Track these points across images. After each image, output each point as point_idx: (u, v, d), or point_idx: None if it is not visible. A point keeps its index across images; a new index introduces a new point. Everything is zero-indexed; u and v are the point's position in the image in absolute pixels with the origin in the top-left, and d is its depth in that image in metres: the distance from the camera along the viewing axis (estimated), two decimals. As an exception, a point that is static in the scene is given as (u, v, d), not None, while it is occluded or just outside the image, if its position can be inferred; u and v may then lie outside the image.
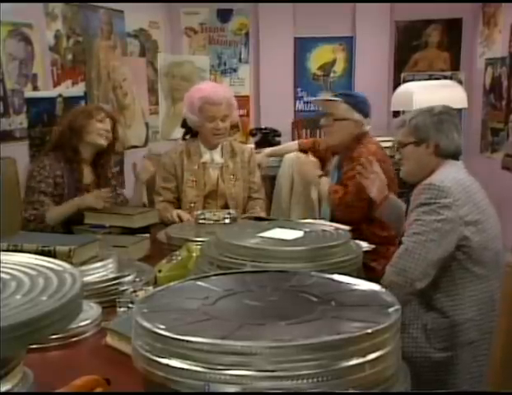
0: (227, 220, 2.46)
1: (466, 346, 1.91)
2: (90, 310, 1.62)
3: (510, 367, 1.56)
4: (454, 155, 2.09)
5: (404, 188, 2.66)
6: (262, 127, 5.28)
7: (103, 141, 2.74)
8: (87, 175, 2.76)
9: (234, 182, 2.90)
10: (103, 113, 2.77)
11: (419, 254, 1.88)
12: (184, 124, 3.00)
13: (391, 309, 1.11)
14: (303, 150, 3.32)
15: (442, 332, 1.93)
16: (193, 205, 2.83)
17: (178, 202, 2.88)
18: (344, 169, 2.79)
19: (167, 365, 1.00)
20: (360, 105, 2.78)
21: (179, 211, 2.77)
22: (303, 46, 5.76)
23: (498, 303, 1.84)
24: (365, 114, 2.81)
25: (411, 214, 1.97)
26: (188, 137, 3.00)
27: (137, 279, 1.82)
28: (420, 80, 5.09)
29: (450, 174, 1.99)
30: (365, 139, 2.80)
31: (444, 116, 2.09)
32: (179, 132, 3.30)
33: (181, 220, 2.67)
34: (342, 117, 2.76)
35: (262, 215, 2.90)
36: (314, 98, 2.96)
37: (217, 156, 2.91)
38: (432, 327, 1.94)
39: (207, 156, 2.90)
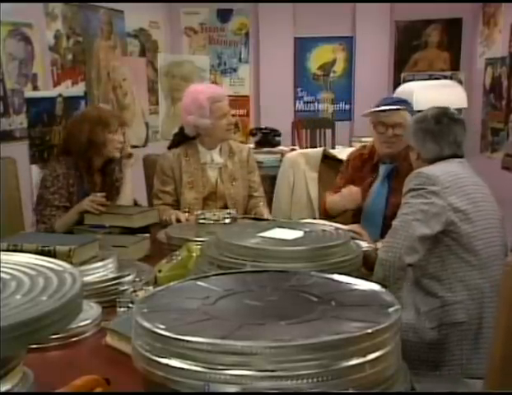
0: (227, 220, 2.45)
1: (453, 326, 1.98)
2: (90, 310, 1.62)
3: (510, 365, 1.56)
4: (441, 159, 2.15)
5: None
6: (262, 126, 5.28)
7: (118, 154, 2.72)
8: (96, 182, 2.74)
9: (233, 182, 2.89)
10: (117, 122, 2.71)
11: (406, 231, 1.97)
12: (180, 133, 2.94)
13: (391, 309, 1.11)
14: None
15: (433, 312, 2.00)
16: (192, 207, 2.81)
17: (177, 205, 2.87)
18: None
19: (167, 365, 1.00)
20: (412, 112, 2.76)
21: (178, 212, 2.76)
22: (303, 46, 5.76)
23: (492, 292, 1.92)
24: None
25: (402, 200, 2.07)
26: (176, 143, 2.96)
27: (137, 279, 1.82)
28: (420, 80, 5.09)
29: (441, 166, 2.09)
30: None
31: (423, 125, 2.18)
32: (176, 139, 3.24)
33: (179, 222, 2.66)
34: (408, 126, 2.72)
35: (266, 211, 2.90)
36: (371, 110, 2.81)
37: (217, 156, 2.89)
38: (424, 310, 2.01)
39: (207, 157, 2.88)
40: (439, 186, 1.98)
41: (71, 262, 1.40)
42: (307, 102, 5.89)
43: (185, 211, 2.78)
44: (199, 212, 2.54)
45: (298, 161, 3.70)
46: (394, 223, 2.03)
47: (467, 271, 2.00)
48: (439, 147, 2.16)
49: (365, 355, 0.99)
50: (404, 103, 2.75)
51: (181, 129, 2.93)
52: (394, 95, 4.74)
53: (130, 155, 2.83)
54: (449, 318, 1.97)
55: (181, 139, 2.93)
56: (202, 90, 2.87)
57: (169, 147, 2.96)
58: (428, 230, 1.96)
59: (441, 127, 2.18)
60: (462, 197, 2.01)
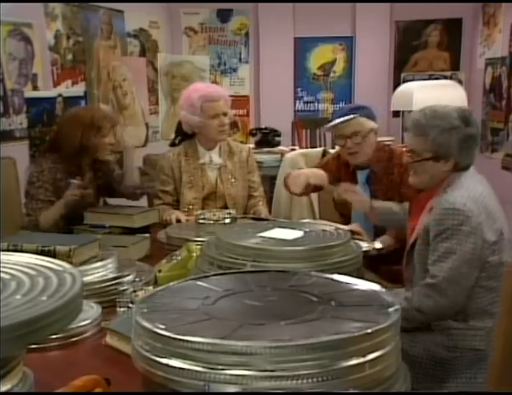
0: (227, 220, 2.45)
1: (470, 351, 1.90)
2: (90, 310, 1.62)
3: (510, 366, 1.56)
4: (469, 165, 2.03)
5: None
6: (262, 126, 5.28)
7: (109, 157, 2.73)
8: (88, 177, 2.74)
9: (233, 182, 2.89)
10: (109, 124, 2.68)
11: (459, 284, 1.85)
12: (179, 129, 2.97)
13: (391, 309, 1.11)
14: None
15: (450, 332, 1.93)
16: (191, 207, 2.81)
17: (177, 205, 2.87)
18: (384, 180, 2.68)
19: (167, 365, 1.00)
20: (372, 114, 2.73)
21: (178, 212, 2.76)
22: (303, 46, 5.76)
23: None
24: (375, 120, 2.76)
25: (436, 237, 1.89)
26: (178, 141, 2.98)
27: (137, 279, 1.82)
28: (420, 80, 5.09)
29: (468, 191, 1.93)
30: (385, 146, 2.74)
31: (469, 130, 1.97)
32: (176, 137, 3.26)
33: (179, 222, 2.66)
34: (369, 130, 2.63)
35: (265, 211, 2.90)
36: (326, 125, 2.74)
37: (216, 157, 2.89)
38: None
39: (205, 157, 2.88)
40: (475, 223, 1.84)
41: (71, 262, 1.40)
42: (307, 102, 5.89)
43: (185, 211, 2.79)
44: (199, 212, 2.54)
45: (298, 161, 3.70)
46: (440, 276, 1.84)
47: (486, 296, 1.91)
48: (474, 153, 2.00)
49: (364, 355, 0.99)
50: (357, 110, 2.65)
51: (179, 124, 2.96)
52: (394, 95, 4.75)
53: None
54: (467, 343, 1.89)
55: (181, 135, 2.95)
56: (197, 89, 2.88)
57: (172, 144, 2.98)
58: (474, 277, 1.86)
59: (476, 129, 2.01)
60: (491, 228, 1.89)
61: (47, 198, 2.57)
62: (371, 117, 2.66)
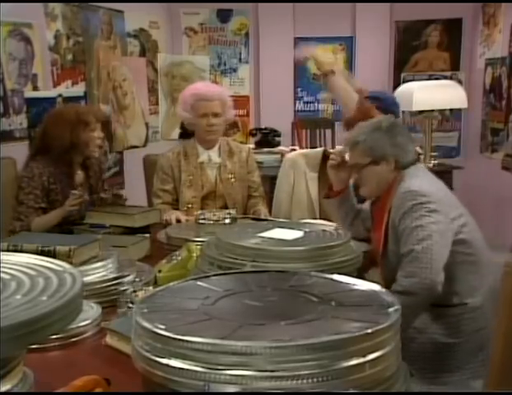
0: (227, 221, 2.46)
1: (472, 333, 1.95)
2: (90, 310, 1.62)
3: (510, 366, 1.56)
4: (413, 162, 2.10)
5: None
6: (262, 127, 5.28)
7: (97, 154, 2.73)
8: (78, 176, 2.73)
9: (232, 182, 2.90)
10: (94, 118, 2.68)
11: (430, 256, 1.87)
12: (183, 125, 3.01)
13: (391, 309, 1.11)
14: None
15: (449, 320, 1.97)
16: (190, 205, 2.82)
17: (177, 204, 2.88)
18: None
19: (167, 365, 1.00)
20: (392, 108, 2.72)
21: (178, 212, 2.76)
22: (303, 46, 5.75)
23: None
24: (395, 116, 2.75)
25: (400, 222, 1.95)
26: (178, 135, 3.04)
27: (137, 279, 1.82)
28: (420, 80, 5.09)
29: (421, 179, 2.03)
30: None
31: (396, 129, 2.10)
32: (178, 132, 3.30)
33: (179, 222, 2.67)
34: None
35: (264, 211, 2.90)
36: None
37: (214, 156, 2.90)
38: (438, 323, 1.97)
39: (204, 156, 2.89)
40: (434, 199, 1.94)
41: (71, 263, 1.40)
42: (307, 102, 5.88)
43: (184, 210, 2.80)
44: (199, 212, 2.54)
45: (298, 161, 3.70)
46: (414, 248, 1.89)
47: (475, 274, 1.98)
48: (414, 146, 2.14)
49: (364, 355, 0.99)
50: (374, 100, 2.75)
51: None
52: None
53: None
54: (469, 326, 1.94)
55: (183, 131, 3.00)
56: (194, 87, 2.94)
57: (180, 136, 3.05)
58: (448, 250, 1.91)
59: (401, 126, 2.19)
60: (452, 206, 2.00)
61: (37, 205, 2.56)
62: (389, 111, 2.62)
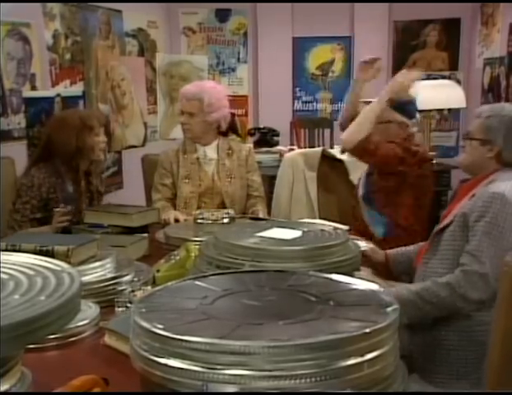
0: (226, 220, 2.46)
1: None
2: (89, 310, 1.62)
3: (509, 367, 1.56)
4: None
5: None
6: (261, 126, 5.28)
7: (102, 157, 2.75)
8: (81, 185, 2.72)
9: (230, 179, 2.92)
10: (98, 122, 2.68)
11: (495, 245, 1.84)
12: None
13: (389, 309, 1.11)
14: None
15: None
16: (188, 201, 2.86)
17: (175, 199, 2.92)
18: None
19: (165, 365, 1.00)
20: (404, 107, 2.72)
21: (176, 212, 2.79)
22: (301, 46, 5.76)
23: None
24: (410, 116, 2.75)
25: (477, 218, 1.89)
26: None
27: (136, 279, 1.82)
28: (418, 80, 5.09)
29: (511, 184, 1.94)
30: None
31: None
32: (177, 131, 3.32)
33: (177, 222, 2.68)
34: (386, 119, 2.68)
35: (262, 210, 2.91)
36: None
37: (210, 152, 2.95)
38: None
39: (200, 152, 2.94)
40: None
41: (69, 262, 1.40)
42: (305, 102, 5.89)
43: (181, 207, 2.83)
44: (197, 212, 2.55)
45: (297, 161, 3.71)
46: (486, 256, 1.83)
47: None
48: None
49: (363, 355, 0.99)
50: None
51: None
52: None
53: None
54: (480, 338, 1.87)
55: None
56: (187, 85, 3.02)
57: None
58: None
59: None
60: None
61: (32, 215, 2.55)
62: (400, 110, 2.64)
